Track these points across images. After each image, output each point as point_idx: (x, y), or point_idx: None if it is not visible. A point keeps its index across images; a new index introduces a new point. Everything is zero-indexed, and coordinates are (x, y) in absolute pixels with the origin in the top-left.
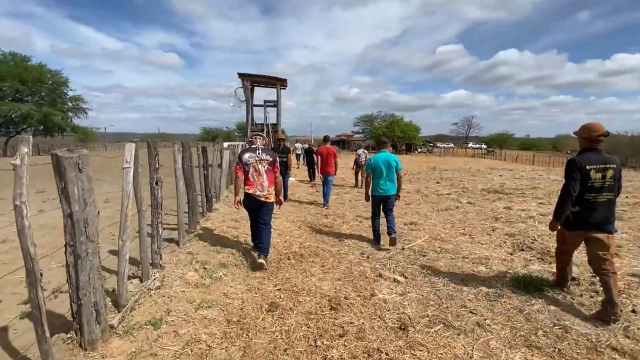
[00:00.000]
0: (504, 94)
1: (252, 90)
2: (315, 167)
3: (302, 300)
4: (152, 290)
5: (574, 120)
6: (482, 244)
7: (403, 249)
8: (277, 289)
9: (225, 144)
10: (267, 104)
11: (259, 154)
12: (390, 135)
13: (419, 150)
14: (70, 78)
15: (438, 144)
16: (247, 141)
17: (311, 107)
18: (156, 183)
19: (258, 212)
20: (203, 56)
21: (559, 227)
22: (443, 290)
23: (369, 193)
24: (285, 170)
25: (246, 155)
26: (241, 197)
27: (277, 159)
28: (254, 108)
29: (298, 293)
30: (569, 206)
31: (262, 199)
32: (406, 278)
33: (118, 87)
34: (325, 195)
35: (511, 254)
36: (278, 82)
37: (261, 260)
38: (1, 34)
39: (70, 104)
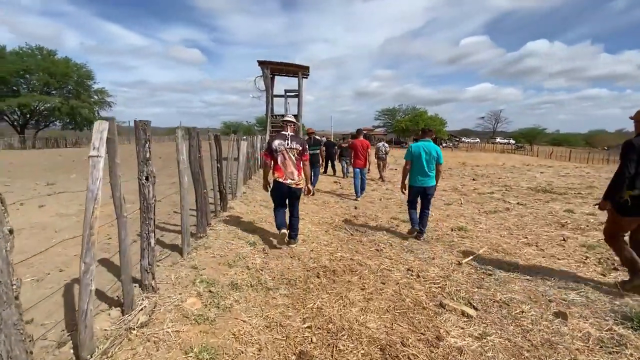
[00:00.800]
0: (532, 87)
1: (272, 79)
2: (348, 160)
3: (343, 347)
4: (134, 329)
5: (607, 115)
6: (557, 258)
7: (460, 264)
8: (307, 327)
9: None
10: (287, 94)
11: (288, 141)
12: (414, 129)
13: (444, 144)
14: (98, 74)
15: (463, 139)
16: (270, 130)
17: (330, 102)
18: (146, 178)
19: (286, 199)
20: (224, 51)
21: (611, 217)
22: (534, 332)
23: (406, 183)
24: (315, 163)
25: (276, 142)
26: (270, 182)
27: (307, 147)
28: (274, 99)
29: (336, 335)
30: (623, 187)
31: (293, 186)
32: (477, 310)
33: (143, 82)
34: (361, 188)
35: (604, 275)
36: (300, 70)
37: (292, 245)
38: (34, 32)
39: (95, 97)
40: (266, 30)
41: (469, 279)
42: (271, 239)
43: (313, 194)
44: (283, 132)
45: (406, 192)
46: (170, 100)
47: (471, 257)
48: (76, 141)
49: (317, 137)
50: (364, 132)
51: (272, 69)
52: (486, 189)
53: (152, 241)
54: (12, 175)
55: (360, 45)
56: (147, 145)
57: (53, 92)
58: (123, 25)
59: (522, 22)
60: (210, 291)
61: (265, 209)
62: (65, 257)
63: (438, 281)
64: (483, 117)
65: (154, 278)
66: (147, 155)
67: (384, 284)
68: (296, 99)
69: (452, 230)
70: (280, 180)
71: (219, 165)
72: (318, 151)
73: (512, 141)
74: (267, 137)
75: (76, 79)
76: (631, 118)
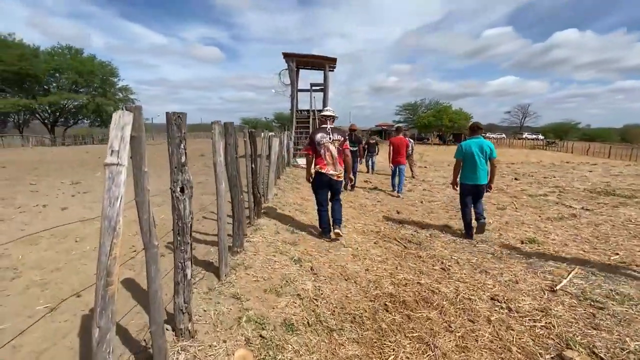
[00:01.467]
0: (559, 80)
1: (297, 72)
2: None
3: None
4: None
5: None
6: None
7: (553, 291)
8: None
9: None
10: (313, 87)
11: (330, 134)
12: (438, 124)
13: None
14: (121, 72)
15: (489, 134)
16: (296, 125)
17: (346, 97)
18: (181, 190)
19: (329, 189)
20: (241, 48)
21: None
22: None
23: (457, 181)
24: (355, 159)
25: (318, 136)
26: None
27: (347, 138)
28: (299, 93)
29: None
30: None
31: (335, 177)
32: None
33: (164, 80)
34: (399, 185)
35: None
36: (327, 63)
37: (337, 230)
38: (63, 33)
39: (120, 94)
40: (282, 27)
41: (577, 315)
42: (316, 253)
43: (354, 187)
44: (324, 126)
45: (457, 188)
46: (190, 98)
47: (564, 281)
48: (102, 138)
49: (358, 134)
50: (384, 127)
51: (298, 61)
52: (536, 190)
53: (189, 272)
54: (40, 173)
55: (376, 39)
56: (182, 145)
57: (81, 90)
58: (144, 25)
59: (549, 11)
60: (261, 336)
61: (302, 214)
62: (84, 275)
63: (538, 317)
64: (509, 112)
65: (190, 319)
66: (183, 159)
67: (473, 322)
68: (320, 93)
69: (522, 243)
70: (323, 171)
71: (253, 166)
72: (357, 148)
73: (540, 136)
74: (293, 134)
75: (102, 77)
76: None
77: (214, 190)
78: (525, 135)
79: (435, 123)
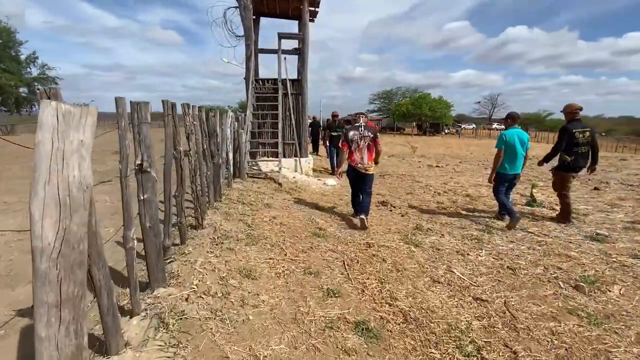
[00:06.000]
0: (514, 73)
1: (256, 21)
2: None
3: None
4: None
5: (585, 101)
6: None
7: None
8: None
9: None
10: (283, 44)
11: (361, 130)
12: (417, 113)
13: (446, 131)
14: (71, 55)
15: (462, 125)
16: (254, 104)
17: (316, 86)
18: None
19: (360, 182)
20: (205, 33)
21: (558, 175)
22: None
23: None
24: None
25: (351, 133)
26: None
27: (378, 135)
28: (256, 56)
29: None
30: (555, 156)
31: (363, 170)
32: None
33: (119, 65)
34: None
35: None
36: (305, 0)
37: (362, 216)
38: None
39: (30, 69)
40: None
41: None
42: None
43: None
44: (357, 124)
45: (493, 182)
46: (151, 85)
47: None
48: (12, 129)
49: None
50: (355, 117)
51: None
52: None
53: None
54: None
55: (344, 28)
56: None
57: None
58: (94, 5)
59: (501, 8)
60: None
61: None
62: None
63: None
64: (479, 102)
65: None
66: None
67: None
68: (297, 56)
69: None
70: (353, 165)
71: None
72: (342, 133)
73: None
74: (249, 115)
75: None
76: (562, 111)
77: None
78: (495, 125)
79: (415, 112)
